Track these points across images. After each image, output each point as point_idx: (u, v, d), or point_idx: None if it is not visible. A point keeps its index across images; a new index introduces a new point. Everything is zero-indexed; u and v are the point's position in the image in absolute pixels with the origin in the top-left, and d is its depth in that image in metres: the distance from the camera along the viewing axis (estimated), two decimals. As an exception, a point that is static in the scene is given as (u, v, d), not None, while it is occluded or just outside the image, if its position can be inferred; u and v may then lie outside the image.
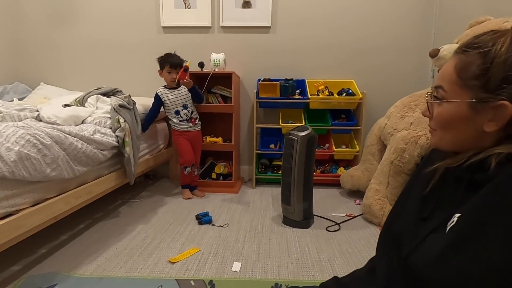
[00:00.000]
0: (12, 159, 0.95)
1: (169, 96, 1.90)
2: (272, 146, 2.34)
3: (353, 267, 1.15)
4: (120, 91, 1.82)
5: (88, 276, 1.09)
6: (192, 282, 1.05)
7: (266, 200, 1.98)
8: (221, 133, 2.29)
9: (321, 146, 2.29)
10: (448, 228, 0.51)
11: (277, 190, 2.16)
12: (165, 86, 1.93)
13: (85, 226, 1.52)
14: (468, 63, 0.48)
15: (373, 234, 1.47)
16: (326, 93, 2.18)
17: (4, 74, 2.39)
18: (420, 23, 2.29)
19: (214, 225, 1.55)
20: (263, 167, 2.33)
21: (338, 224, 1.58)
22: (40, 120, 1.34)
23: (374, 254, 1.21)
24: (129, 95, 1.79)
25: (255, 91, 2.22)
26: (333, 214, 1.72)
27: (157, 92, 1.92)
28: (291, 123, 2.25)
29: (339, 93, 2.22)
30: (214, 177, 2.23)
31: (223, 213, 1.72)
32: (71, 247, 1.31)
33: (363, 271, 0.73)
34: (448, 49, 1.49)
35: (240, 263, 1.19)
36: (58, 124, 1.30)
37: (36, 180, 1.05)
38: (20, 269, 1.13)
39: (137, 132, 1.69)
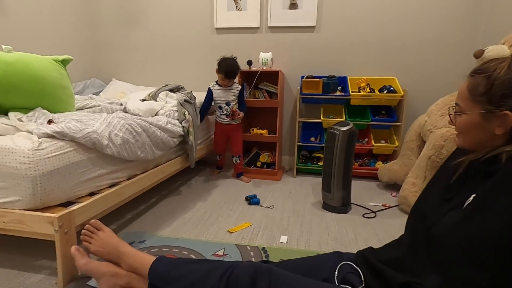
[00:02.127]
0: (118, 143, 1.25)
1: (218, 92, 2.17)
2: (312, 139, 2.51)
3: (387, 247, 1.31)
4: (183, 88, 2.11)
5: (167, 236, 1.38)
6: (248, 247, 1.30)
7: (306, 188, 2.17)
8: (266, 126, 2.51)
9: (361, 140, 2.41)
10: (465, 205, 0.67)
11: (316, 180, 2.35)
12: (217, 82, 2.19)
13: (155, 201, 1.84)
14: (476, 84, 0.64)
15: (407, 222, 1.59)
16: (368, 90, 2.29)
17: (84, 71, 2.82)
18: (467, 19, 2.27)
19: (262, 206, 1.78)
20: (304, 158, 2.51)
21: (374, 212, 1.73)
22: (126, 112, 1.65)
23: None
24: (191, 91, 2.07)
25: (298, 87, 2.40)
26: (370, 204, 1.86)
27: (209, 86, 2.19)
28: (331, 118, 2.39)
29: (381, 90, 2.31)
30: (259, 165, 2.47)
31: (268, 197, 1.95)
32: (148, 216, 1.62)
33: (393, 242, 0.91)
34: (493, 50, 1.54)
35: (287, 237, 1.41)
36: (140, 116, 1.61)
37: (130, 160, 1.36)
38: (115, 228, 1.46)
39: (197, 123, 1.97)
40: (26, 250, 1.22)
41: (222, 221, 1.57)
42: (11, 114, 1.12)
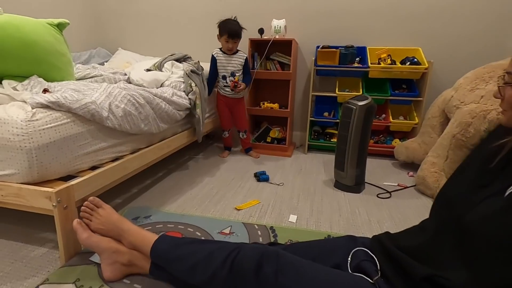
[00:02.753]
0: (120, 115, 1.18)
1: (222, 60, 2.00)
2: (326, 114, 2.38)
3: (402, 230, 1.23)
4: (190, 57, 1.99)
5: (173, 212, 1.35)
6: (256, 226, 1.25)
7: (318, 165, 2.08)
8: (278, 99, 2.39)
9: (377, 116, 2.27)
10: (507, 193, 0.57)
11: (328, 157, 2.25)
12: (220, 49, 2.02)
13: (162, 175, 1.81)
14: None
15: (424, 205, 1.51)
16: (388, 61, 2.11)
17: (89, 40, 2.72)
18: (509, -18, 2.01)
19: (271, 183, 1.72)
20: (316, 134, 2.40)
21: (389, 192, 1.64)
22: (130, 82, 1.57)
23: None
24: (198, 61, 1.95)
25: (313, 58, 2.24)
26: (385, 183, 1.77)
27: (212, 54, 2.01)
28: (347, 92, 2.25)
29: (403, 62, 2.12)
30: (269, 140, 2.38)
31: (278, 174, 1.88)
32: (155, 190, 1.59)
33: (414, 228, 0.82)
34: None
35: (296, 216, 1.35)
36: (144, 87, 1.52)
37: (133, 133, 1.29)
38: (121, 202, 1.44)
39: (204, 95, 1.87)
40: (30, 222, 1.20)
41: (230, 197, 1.52)
42: (5, 82, 1.05)
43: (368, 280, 0.69)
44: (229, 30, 1.88)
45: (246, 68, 2.07)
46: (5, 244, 1.07)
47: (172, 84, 1.69)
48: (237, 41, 1.95)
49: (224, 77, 2.04)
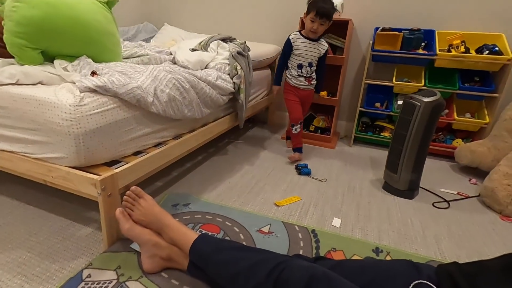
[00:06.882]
0: (164, 100, 1.13)
1: (300, 45, 1.72)
2: (377, 104, 2.17)
3: (465, 254, 1.08)
4: (235, 39, 1.88)
5: (211, 202, 1.32)
6: (296, 227, 1.17)
7: (365, 161, 1.93)
8: (326, 86, 2.21)
9: (439, 111, 2.02)
10: None
11: (376, 152, 2.08)
12: (300, 32, 1.74)
13: (202, 159, 1.79)
14: None
15: (491, 221, 1.32)
16: (462, 49, 1.82)
17: (136, 15, 2.71)
18: None
19: (313, 178, 1.62)
20: (364, 126, 2.21)
21: (448, 201, 1.46)
22: (175, 63, 1.52)
23: (492, 244, 1.12)
24: (245, 41, 1.84)
25: (370, 42, 2.01)
26: (441, 190, 1.58)
27: (289, 37, 1.74)
28: (406, 81, 2.01)
29: (479, 50, 1.82)
30: (312, 129, 2.25)
31: (321, 168, 1.77)
32: (194, 175, 1.57)
33: (495, 267, 0.69)
34: None
35: (340, 220, 1.25)
36: (189, 68, 1.46)
37: (177, 118, 1.25)
38: (161, 186, 1.44)
39: (249, 79, 1.77)
40: (78, 200, 1.25)
41: (269, 190, 1.46)
42: (56, 62, 1.05)
43: (436, 327, 0.59)
44: (319, 7, 1.58)
45: (324, 60, 1.82)
46: (56, 220, 1.12)
47: (217, 66, 1.60)
48: (324, 23, 1.62)
49: (300, 66, 1.76)
